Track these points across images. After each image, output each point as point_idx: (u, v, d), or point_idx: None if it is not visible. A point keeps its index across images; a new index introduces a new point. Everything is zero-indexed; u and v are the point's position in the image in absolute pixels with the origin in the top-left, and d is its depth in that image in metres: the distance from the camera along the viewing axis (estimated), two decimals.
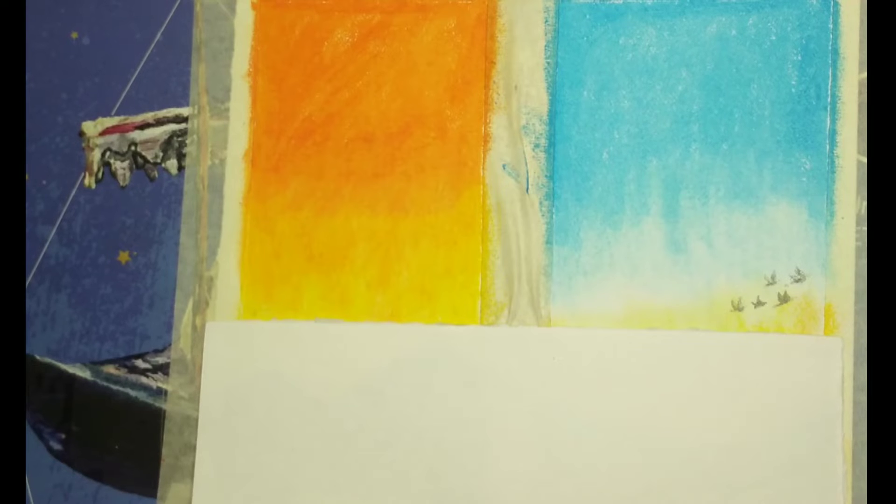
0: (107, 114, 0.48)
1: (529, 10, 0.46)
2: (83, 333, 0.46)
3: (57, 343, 0.46)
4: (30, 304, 0.47)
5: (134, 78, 0.47)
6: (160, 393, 0.46)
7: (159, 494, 0.45)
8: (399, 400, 0.44)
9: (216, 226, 0.46)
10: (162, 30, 0.47)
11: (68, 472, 0.45)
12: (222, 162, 0.47)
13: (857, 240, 0.44)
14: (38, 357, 0.46)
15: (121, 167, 0.47)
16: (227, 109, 0.47)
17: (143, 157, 0.47)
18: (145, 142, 0.47)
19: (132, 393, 0.46)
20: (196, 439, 0.44)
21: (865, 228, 0.43)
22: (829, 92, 0.44)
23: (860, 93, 0.44)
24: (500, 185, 0.46)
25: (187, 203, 0.47)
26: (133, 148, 0.47)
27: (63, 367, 0.46)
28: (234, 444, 0.44)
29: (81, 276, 0.47)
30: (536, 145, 0.46)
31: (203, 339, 0.45)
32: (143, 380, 0.46)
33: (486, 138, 0.46)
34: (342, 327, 0.45)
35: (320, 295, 0.46)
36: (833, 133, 0.44)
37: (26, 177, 0.47)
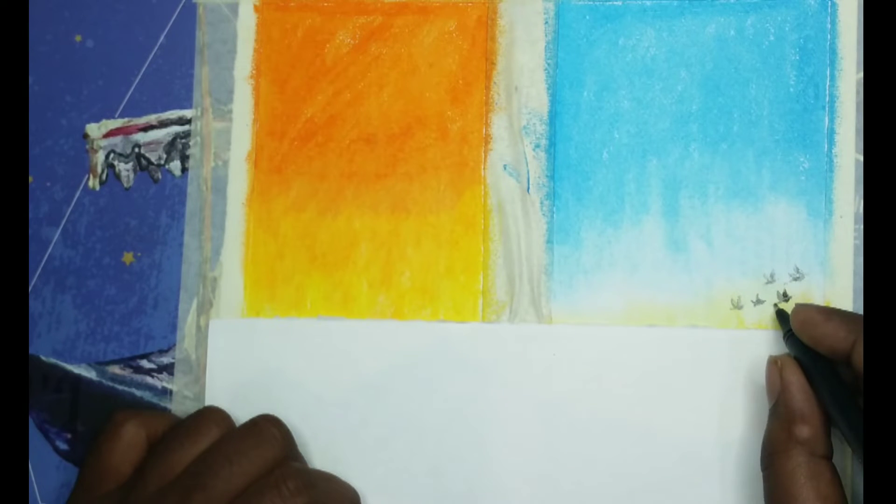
0: (110, 116, 0.48)
1: (529, 11, 0.46)
2: (88, 334, 0.47)
3: (62, 344, 0.47)
4: (35, 306, 0.47)
5: (137, 80, 0.48)
6: (165, 393, 0.46)
7: None
8: (400, 396, 0.45)
9: (220, 227, 0.47)
10: (165, 33, 0.48)
11: (75, 471, 0.46)
12: (225, 163, 0.47)
13: (855, 238, 0.44)
14: (43, 358, 0.47)
15: (125, 169, 0.47)
16: (230, 111, 0.47)
17: (147, 159, 0.47)
18: (149, 144, 0.47)
19: (137, 393, 0.46)
20: None
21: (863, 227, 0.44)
22: (828, 91, 0.45)
23: (858, 92, 0.44)
24: (501, 186, 0.46)
25: (191, 204, 0.47)
26: (137, 150, 0.47)
27: (68, 367, 0.47)
28: None
29: (86, 277, 0.47)
30: (537, 145, 0.46)
31: (207, 339, 0.46)
32: (149, 380, 0.46)
33: (487, 139, 0.46)
34: (344, 324, 0.45)
35: (323, 295, 0.46)
36: (831, 132, 0.45)
37: (30, 179, 0.48)
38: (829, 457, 0.39)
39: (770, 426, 0.40)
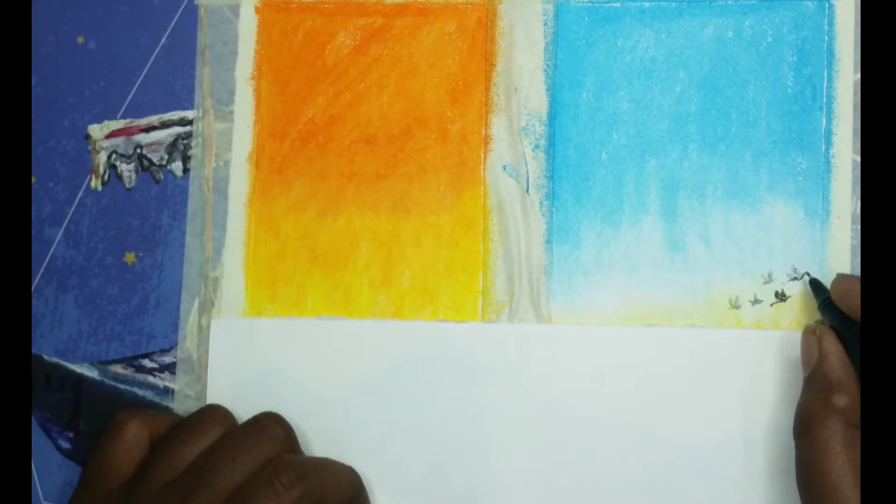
0: (113, 117, 0.48)
1: (529, 13, 0.46)
2: (90, 333, 0.47)
3: (64, 343, 0.47)
4: (37, 305, 0.47)
5: (139, 81, 0.48)
6: (167, 392, 0.46)
7: None
8: (400, 395, 0.45)
9: (221, 227, 0.47)
10: (167, 34, 0.48)
11: (77, 469, 0.46)
12: (227, 164, 0.47)
13: (852, 238, 0.44)
14: (45, 357, 0.47)
15: (126, 169, 0.48)
16: (232, 112, 0.47)
17: (149, 160, 0.48)
18: (151, 144, 0.48)
19: (139, 392, 0.46)
20: None
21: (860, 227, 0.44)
22: (825, 92, 0.45)
23: (855, 93, 0.45)
24: (501, 186, 0.46)
25: (192, 205, 0.47)
26: (139, 150, 0.48)
27: (71, 366, 0.47)
28: None
29: (88, 277, 0.47)
30: (536, 146, 0.46)
31: (208, 338, 0.46)
32: (150, 379, 0.46)
33: (487, 139, 0.46)
34: (345, 324, 0.46)
35: (324, 295, 0.46)
36: (828, 133, 0.45)
37: (33, 179, 0.48)
38: None
39: (805, 395, 0.40)
